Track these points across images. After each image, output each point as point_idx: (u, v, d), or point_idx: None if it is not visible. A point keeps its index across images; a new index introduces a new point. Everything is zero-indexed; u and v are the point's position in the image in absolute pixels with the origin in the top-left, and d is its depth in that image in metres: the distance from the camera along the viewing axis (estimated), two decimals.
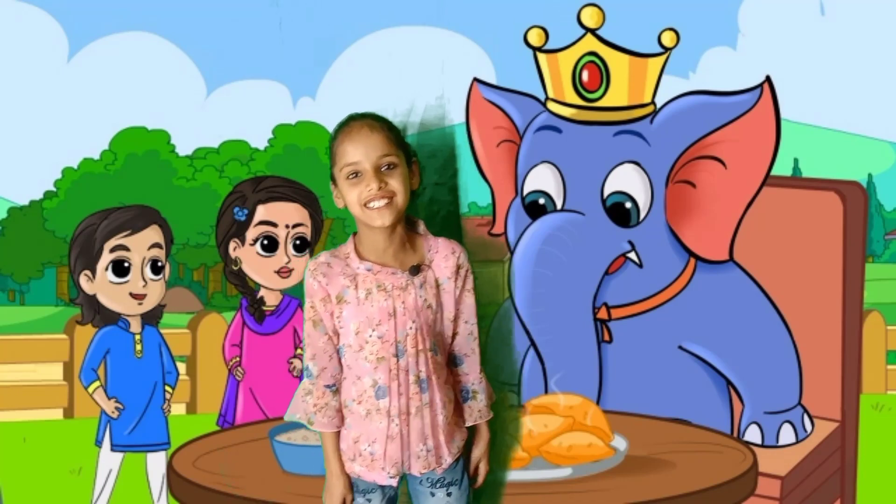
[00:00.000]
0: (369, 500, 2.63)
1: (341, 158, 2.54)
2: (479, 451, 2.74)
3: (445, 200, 2.88)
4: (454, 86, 2.85)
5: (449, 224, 2.87)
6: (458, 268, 2.64)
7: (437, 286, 2.61)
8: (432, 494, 2.67)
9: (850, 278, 2.90)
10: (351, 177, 2.53)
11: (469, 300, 2.67)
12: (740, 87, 2.83)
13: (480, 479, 2.75)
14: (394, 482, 2.61)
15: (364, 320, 2.55)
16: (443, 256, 2.62)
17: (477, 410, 2.70)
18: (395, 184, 2.52)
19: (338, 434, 2.62)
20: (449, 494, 2.67)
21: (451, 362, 2.70)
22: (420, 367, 2.56)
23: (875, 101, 2.87)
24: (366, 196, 2.51)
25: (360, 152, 2.52)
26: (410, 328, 2.56)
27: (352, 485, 2.64)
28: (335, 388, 2.61)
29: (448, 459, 2.64)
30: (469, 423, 2.70)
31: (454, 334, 2.68)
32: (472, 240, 2.87)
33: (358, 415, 2.59)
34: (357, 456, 2.60)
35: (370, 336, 2.55)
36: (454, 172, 2.87)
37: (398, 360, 2.55)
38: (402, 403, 2.56)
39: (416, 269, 2.58)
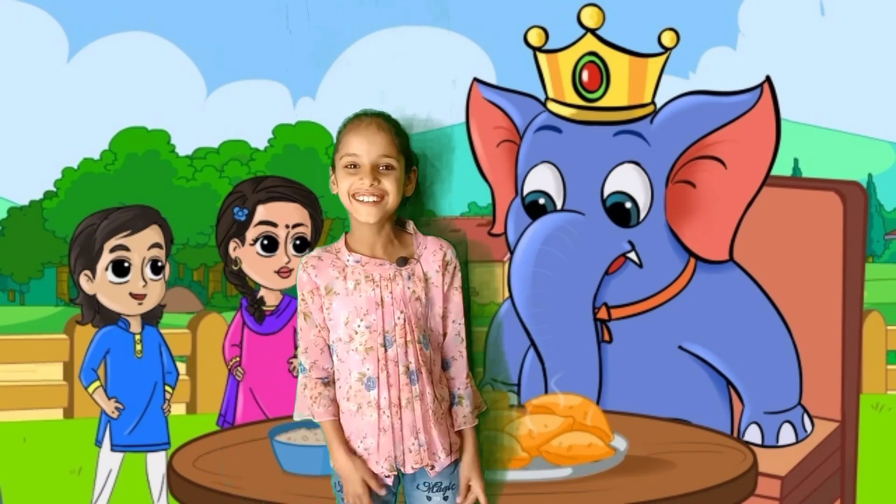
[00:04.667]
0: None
1: (343, 147, 2.63)
2: (466, 465, 2.70)
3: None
4: (456, 86, 2.86)
5: None
6: (447, 264, 2.68)
7: (426, 280, 2.66)
8: (428, 499, 2.67)
9: (850, 278, 2.89)
10: (348, 167, 2.61)
11: (456, 298, 2.70)
12: (740, 87, 2.83)
13: (481, 498, 2.71)
14: (388, 482, 2.62)
15: (353, 310, 2.59)
16: (431, 251, 2.68)
17: (462, 416, 2.70)
18: (388, 185, 2.60)
19: (338, 423, 2.63)
20: (445, 499, 2.68)
21: (441, 366, 2.71)
22: (409, 358, 2.59)
23: (875, 101, 2.86)
24: (356, 188, 2.59)
25: (362, 146, 2.60)
26: (399, 318, 2.59)
27: (365, 466, 2.61)
28: (327, 381, 2.65)
29: (442, 457, 2.64)
30: (458, 428, 2.70)
31: (444, 334, 2.70)
32: (472, 240, 2.89)
33: (349, 412, 2.62)
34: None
35: (358, 326, 2.59)
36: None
37: (386, 351, 2.58)
38: (392, 395, 2.58)
39: (403, 261, 2.63)
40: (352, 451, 2.62)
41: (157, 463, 2.89)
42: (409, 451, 2.60)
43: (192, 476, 2.85)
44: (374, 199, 2.59)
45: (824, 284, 2.88)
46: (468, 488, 2.71)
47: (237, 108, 2.84)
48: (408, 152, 2.70)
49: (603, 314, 2.89)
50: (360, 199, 2.59)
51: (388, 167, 2.61)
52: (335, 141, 2.70)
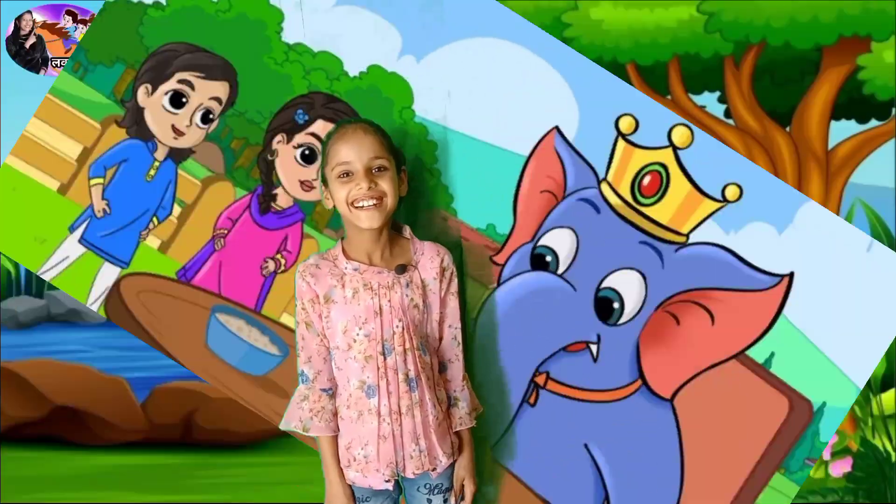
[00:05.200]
0: None
1: (334, 158, 2.61)
2: (461, 467, 2.73)
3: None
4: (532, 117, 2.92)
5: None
6: (444, 269, 2.69)
7: (424, 287, 2.66)
8: (429, 501, 2.70)
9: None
10: (342, 176, 2.60)
11: (453, 303, 2.71)
12: (767, 266, 2.89)
13: (468, 499, 2.75)
14: (389, 486, 2.63)
15: (351, 319, 2.59)
16: (428, 258, 2.67)
17: (458, 417, 2.71)
18: (385, 186, 2.59)
19: (335, 441, 2.65)
20: (445, 501, 2.71)
21: (438, 368, 2.73)
22: (408, 365, 2.60)
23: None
24: (355, 194, 2.58)
25: (353, 153, 2.58)
26: (397, 326, 2.60)
27: (353, 493, 2.66)
28: (332, 392, 2.66)
29: (443, 461, 2.66)
30: (455, 429, 2.71)
31: (440, 338, 2.72)
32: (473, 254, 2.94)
33: (349, 419, 2.63)
34: (351, 461, 2.64)
35: (357, 334, 2.59)
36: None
37: (385, 359, 2.59)
38: (392, 402, 2.58)
39: (402, 268, 2.63)
40: (342, 475, 2.65)
41: (108, 274, 2.97)
42: (411, 457, 2.61)
43: (131, 304, 2.93)
44: (374, 202, 2.57)
45: None
46: (462, 488, 2.74)
47: (353, 29, 2.89)
48: (396, 152, 2.67)
49: (541, 380, 2.94)
50: (360, 204, 2.57)
51: (382, 168, 2.59)
52: (322, 155, 2.67)
